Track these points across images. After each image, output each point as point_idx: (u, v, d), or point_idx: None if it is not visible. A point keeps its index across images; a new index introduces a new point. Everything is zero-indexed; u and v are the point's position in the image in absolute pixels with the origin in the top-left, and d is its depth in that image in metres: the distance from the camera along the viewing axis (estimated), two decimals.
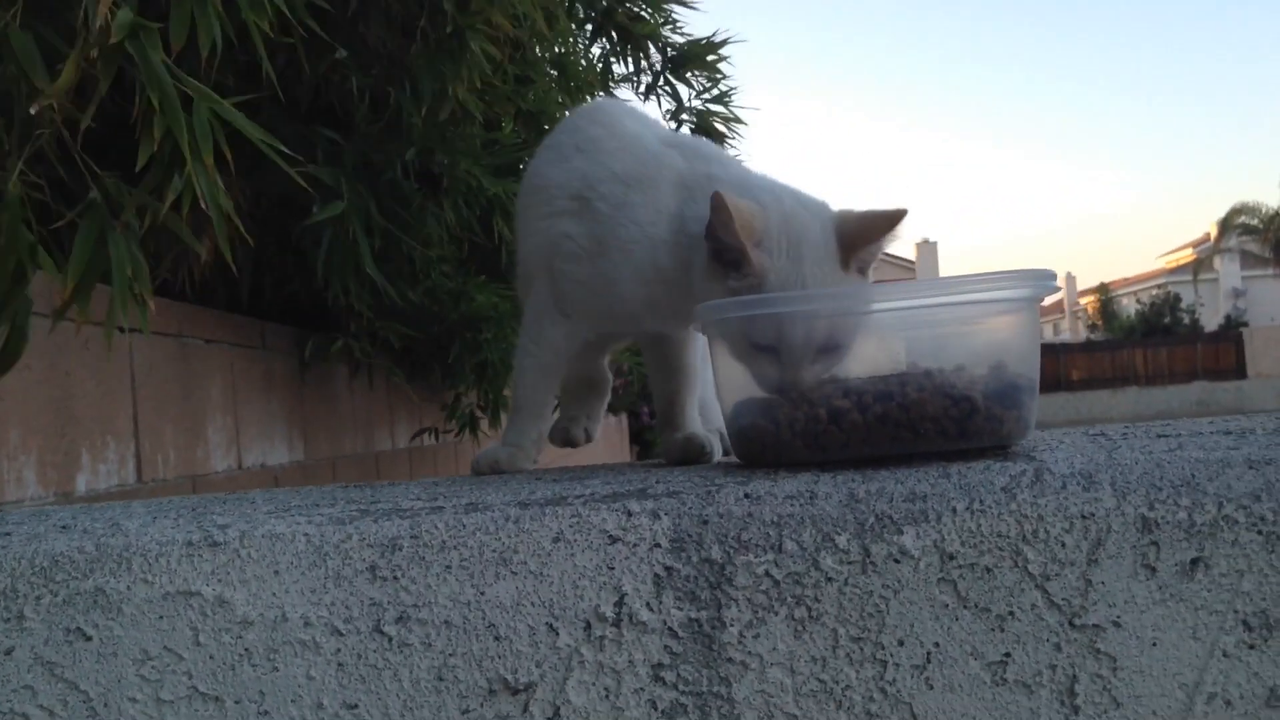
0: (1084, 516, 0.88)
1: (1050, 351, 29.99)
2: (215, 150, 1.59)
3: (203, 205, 1.57)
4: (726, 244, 1.17)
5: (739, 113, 3.63)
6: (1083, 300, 47.45)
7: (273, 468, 3.01)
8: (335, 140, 2.66)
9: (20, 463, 1.93)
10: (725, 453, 1.37)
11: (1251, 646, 0.87)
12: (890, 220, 1.21)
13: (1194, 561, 0.87)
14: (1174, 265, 42.77)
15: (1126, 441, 1.06)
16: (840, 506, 0.90)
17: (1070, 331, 48.19)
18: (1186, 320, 34.33)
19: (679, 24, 3.53)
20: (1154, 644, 0.87)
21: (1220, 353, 28.60)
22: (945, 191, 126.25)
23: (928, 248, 40.52)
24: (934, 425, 0.97)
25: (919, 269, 40.12)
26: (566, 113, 3.17)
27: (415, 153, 2.72)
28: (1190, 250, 41.37)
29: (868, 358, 1.04)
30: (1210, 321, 34.69)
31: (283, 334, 3.06)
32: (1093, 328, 40.53)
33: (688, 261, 1.25)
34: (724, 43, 3.55)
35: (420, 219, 2.78)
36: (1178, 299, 35.51)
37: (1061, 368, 28.61)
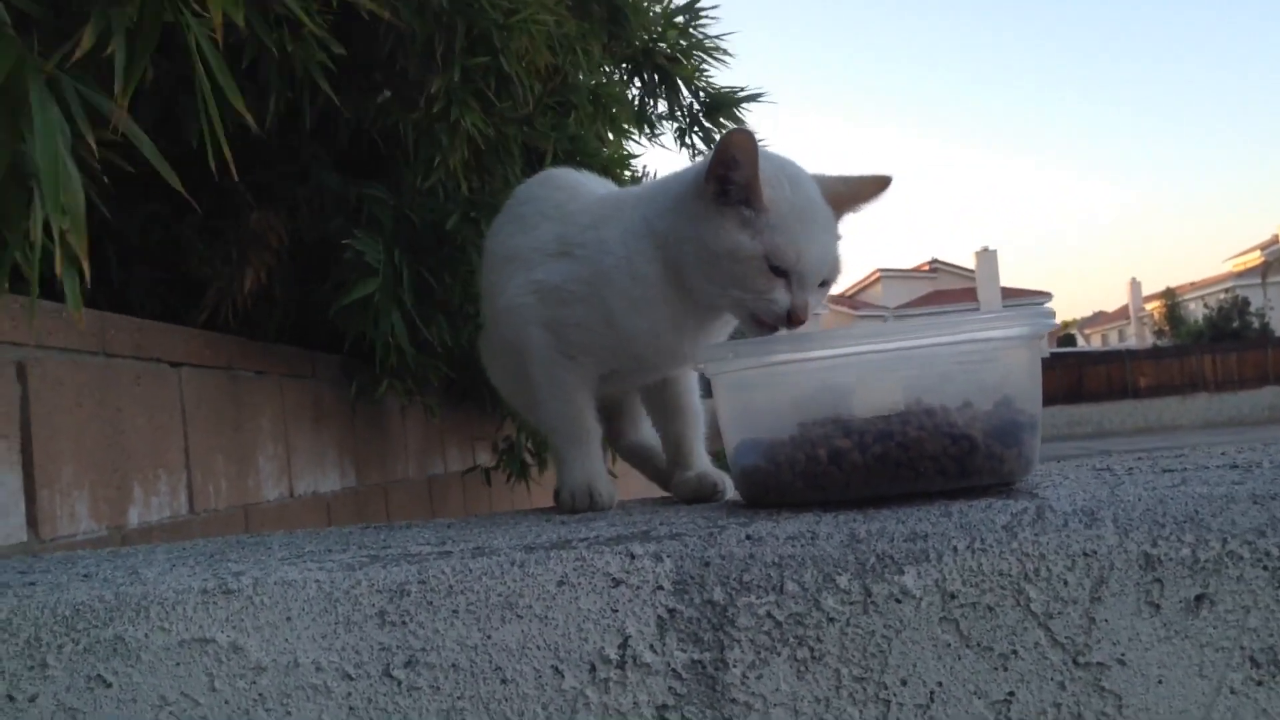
0: (1086, 554, 0.87)
1: (1117, 358, 29.53)
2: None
3: None
4: (735, 179, 1.23)
5: None
6: (1148, 306, 46.68)
7: (325, 495, 3.05)
8: (379, 196, 2.71)
9: (74, 498, 1.98)
10: None
11: (1259, 683, 0.86)
12: (880, 184, 1.32)
13: (1199, 598, 0.86)
14: (1241, 269, 41.98)
15: (1131, 477, 1.06)
16: (841, 547, 0.90)
17: (1136, 338, 47.44)
18: (1256, 324, 33.65)
19: (709, 73, 3.56)
20: (1159, 681, 0.86)
21: None
22: (1006, 200, 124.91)
23: (987, 256, 40.11)
24: (934, 464, 0.97)
25: (979, 277, 39.73)
26: (603, 149, 3.20)
27: (458, 220, 2.75)
28: (1258, 253, 40.57)
29: (870, 396, 1.04)
30: None
31: (332, 363, 3.11)
32: (1159, 333, 39.87)
33: (670, 256, 1.29)
34: (757, 95, 3.56)
35: (462, 257, 2.81)
36: (1246, 303, 34.85)
37: (1129, 375, 28.15)
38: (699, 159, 1.64)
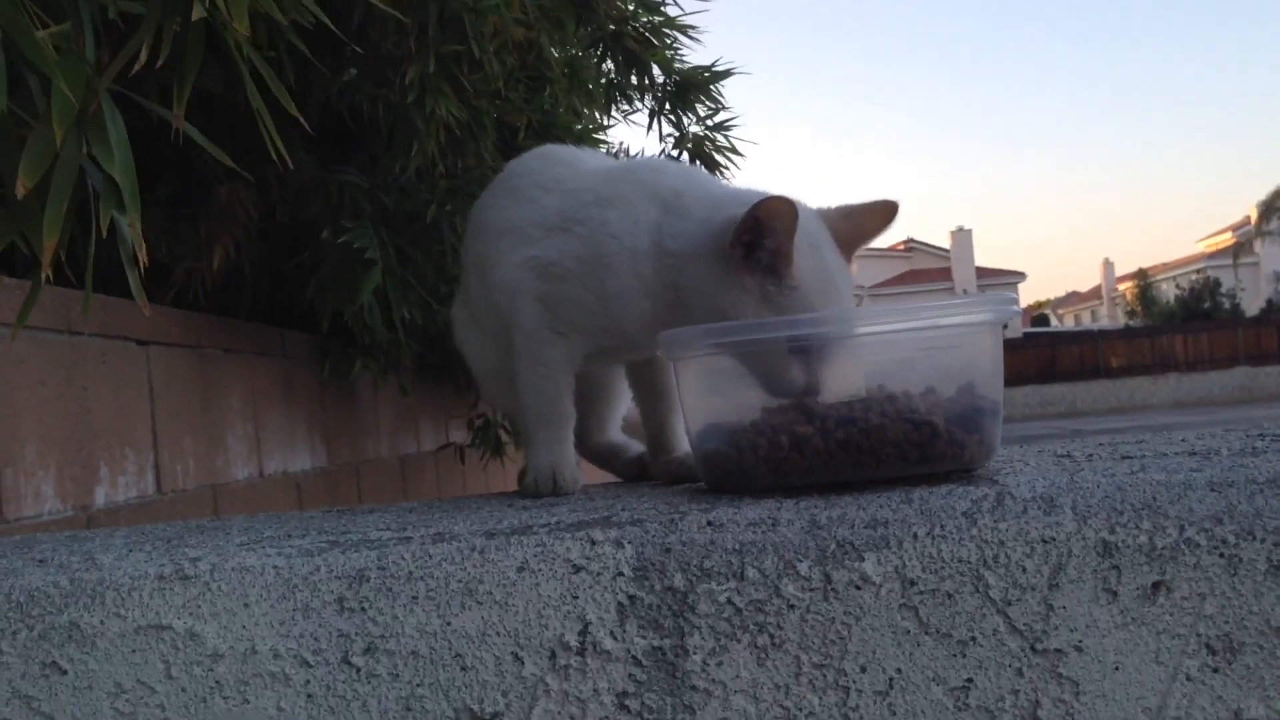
0: (1045, 541, 0.87)
1: (1089, 338, 29.73)
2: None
3: None
4: (770, 248, 1.15)
5: (737, 144, 3.59)
6: (1121, 286, 47.00)
7: (295, 474, 3.04)
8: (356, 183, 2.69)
9: (38, 478, 1.96)
10: None
11: (1215, 670, 0.86)
12: (887, 214, 1.25)
13: (1155, 585, 0.87)
14: (1213, 249, 42.31)
15: (1090, 463, 1.06)
16: (802, 533, 0.90)
17: (1109, 318, 47.77)
18: (1227, 305, 33.94)
19: (680, 51, 3.53)
20: (1116, 668, 0.87)
21: (1262, 337, 28.17)
22: (980, 180, 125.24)
23: (962, 235, 40.29)
24: (896, 450, 0.97)
25: (954, 256, 39.89)
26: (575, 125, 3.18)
27: (436, 209, 2.73)
28: (1230, 234, 40.91)
29: (833, 382, 1.04)
30: (1251, 306, 34.27)
31: (303, 342, 3.09)
32: (1131, 314, 40.17)
33: (673, 275, 1.25)
34: (727, 73, 3.54)
35: (435, 234, 2.79)
36: (1218, 283, 35.14)
37: (1101, 355, 28.34)
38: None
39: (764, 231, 1.15)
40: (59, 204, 1.15)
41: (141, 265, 1.35)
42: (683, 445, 1.42)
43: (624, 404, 1.59)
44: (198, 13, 1.18)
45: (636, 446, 1.55)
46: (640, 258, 1.27)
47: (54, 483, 2.01)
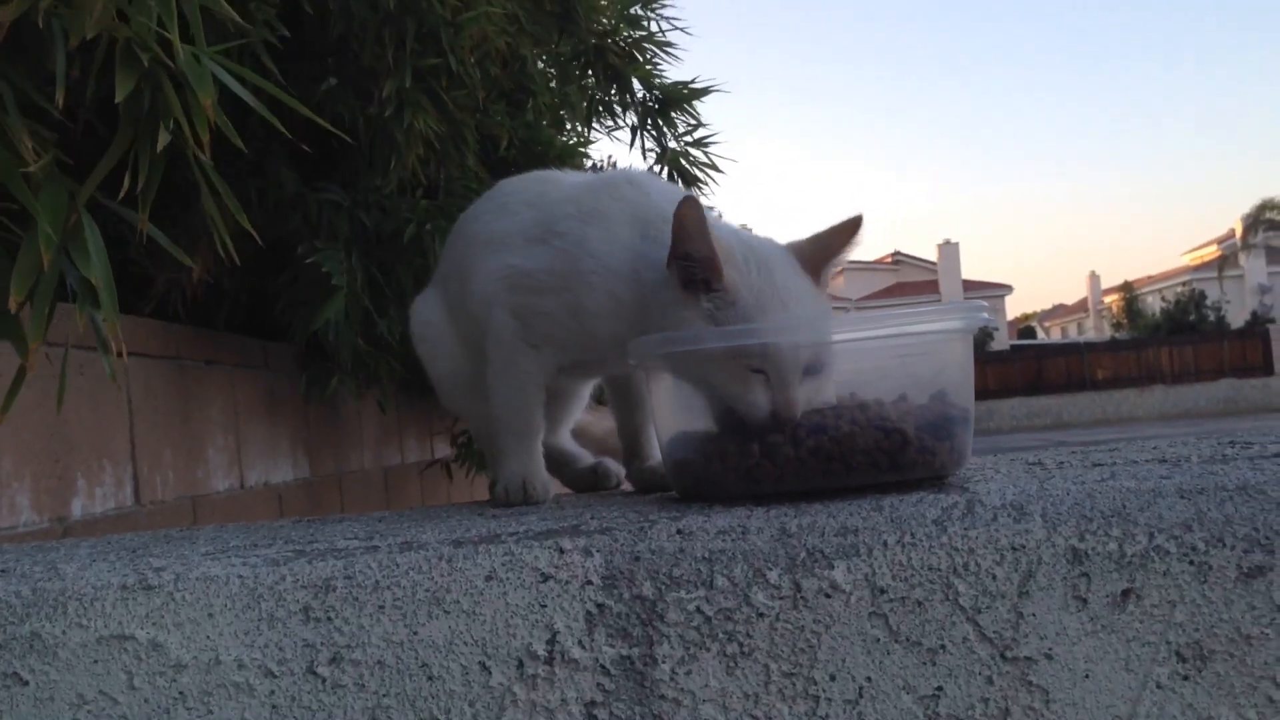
0: (1014, 548, 0.87)
1: (1075, 351, 29.82)
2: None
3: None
4: (696, 258, 1.14)
5: (717, 161, 3.59)
6: (1107, 299, 47.19)
7: (277, 486, 3.02)
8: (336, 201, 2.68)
9: (13, 489, 1.95)
10: None
11: (1185, 678, 0.86)
12: (851, 229, 1.21)
13: (1125, 593, 0.86)
14: (1198, 262, 42.52)
15: (1061, 471, 1.06)
16: (772, 541, 0.90)
17: (1095, 330, 47.93)
18: (1212, 317, 34.08)
19: (660, 67, 3.53)
20: (1086, 676, 0.86)
21: (1247, 349, 28.30)
22: (967, 194, 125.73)
23: (949, 248, 40.39)
24: (866, 458, 0.97)
25: (941, 269, 40.00)
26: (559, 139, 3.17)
27: (415, 229, 2.73)
28: (1215, 247, 41.12)
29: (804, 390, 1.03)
30: (1236, 318, 34.41)
31: (285, 353, 3.07)
32: (1117, 326, 40.31)
33: (644, 301, 1.24)
34: (707, 90, 3.54)
35: (416, 249, 2.78)
36: (1203, 296, 35.27)
37: (1087, 367, 28.43)
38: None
39: (683, 238, 1.14)
40: (42, 310, 1.25)
41: (122, 354, 1.48)
42: (656, 454, 1.42)
43: (579, 408, 1.62)
44: (163, 141, 1.32)
45: (587, 458, 1.56)
46: (616, 278, 1.26)
47: (29, 494, 1.99)
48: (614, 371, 1.45)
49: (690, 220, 1.13)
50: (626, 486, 1.50)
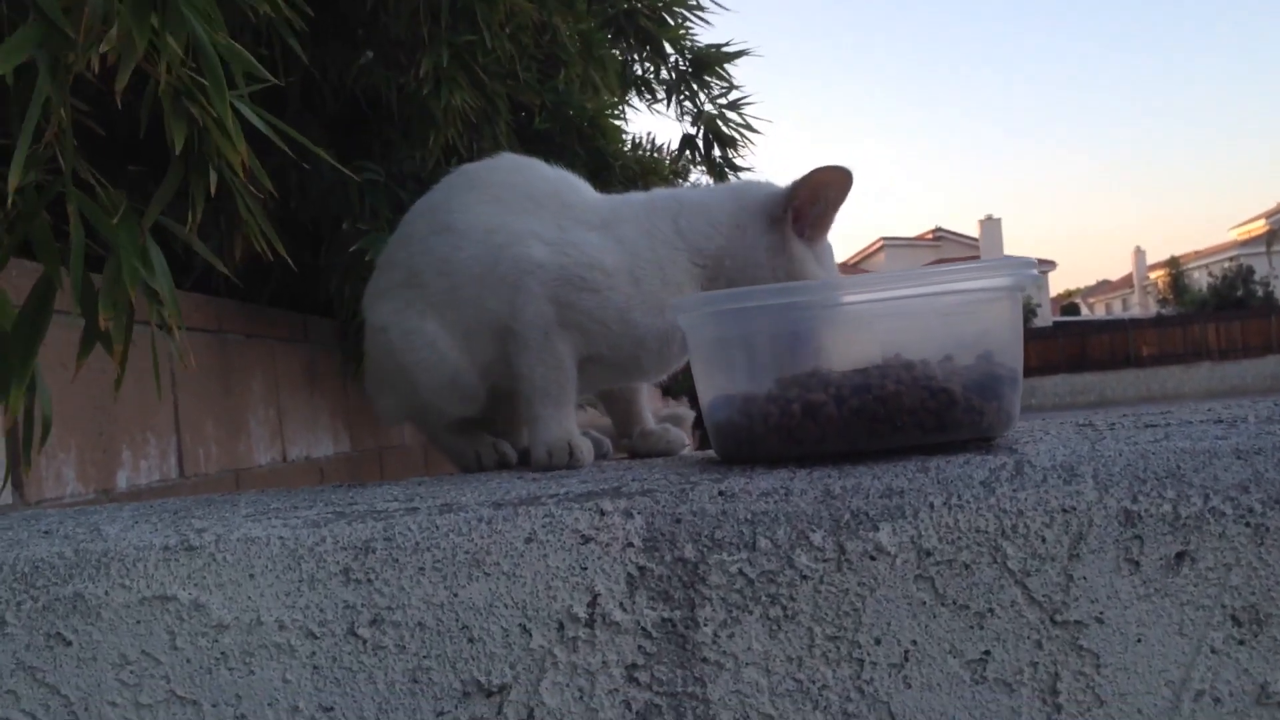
0: (1065, 510, 0.85)
1: (1120, 327, 29.48)
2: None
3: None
4: (813, 213, 1.29)
5: (752, 123, 3.59)
6: (1153, 275, 46.53)
7: (318, 460, 3.03)
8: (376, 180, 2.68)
9: (59, 460, 1.96)
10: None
11: (1241, 642, 0.84)
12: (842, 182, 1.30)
13: (1179, 555, 0.84)
14: (1246, 236, 41.82)
15: (1112, 432, 1.03)
16: (815, 503, 0.88)
17: (1140, 306, 47.33)
18: (1260, 293, 33.54)
19: (692, 31, 3.52)
20: (1138, 640, 0.84)
21: None
22: (1009, 169, 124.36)
23: (991, 224, 39.96)
24: (912, 418, 0.95)
25: (983, 246, 39.61)
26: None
27: None
28: (1263, 221, 40.42)
29: (848, 350, 1.02)
30: None
31: (325, 327, 3.08)
32: (1163, 302, 39.75)
33: (709, 276, 1.32)
34: (740, 53, 3.53)
35: None
36: (1251, 271, 34.72)
37: (1132, 344, 28.10)
38: (743, 178, 1.66)
39: (817, 200, 1.28)
40: (120, 330, 1.44)
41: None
42: (650, 419, 1.50)
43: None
44: (213, 182, 1.54)
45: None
46: (670, 267, 1.31)
47: (75, 466, 2.01)
48: (622, 382, 1.48)
49: (837, 191, 1.28)
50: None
